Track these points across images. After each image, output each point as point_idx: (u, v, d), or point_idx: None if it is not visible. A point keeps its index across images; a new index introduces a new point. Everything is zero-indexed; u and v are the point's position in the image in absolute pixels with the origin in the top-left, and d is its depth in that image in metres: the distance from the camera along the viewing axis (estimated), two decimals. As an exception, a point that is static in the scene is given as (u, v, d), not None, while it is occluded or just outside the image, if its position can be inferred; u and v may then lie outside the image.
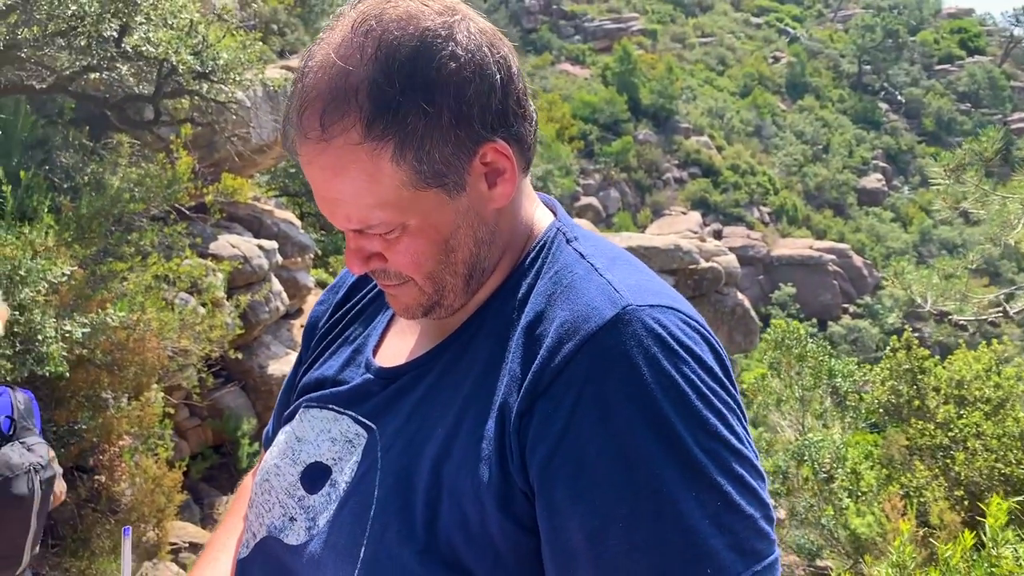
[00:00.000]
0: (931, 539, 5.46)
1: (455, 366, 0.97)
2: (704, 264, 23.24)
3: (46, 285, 5.45)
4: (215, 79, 6.83)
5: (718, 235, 35.73)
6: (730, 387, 0.89)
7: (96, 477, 6.21)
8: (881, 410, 7.49)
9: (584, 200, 34.82)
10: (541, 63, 44.38)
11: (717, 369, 0.88)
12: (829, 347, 9.82)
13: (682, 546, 0.80)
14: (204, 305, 7.88)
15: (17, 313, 5.22)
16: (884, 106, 52.46)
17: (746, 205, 39.13)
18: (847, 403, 8.43)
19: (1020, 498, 3.62)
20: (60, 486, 2.80)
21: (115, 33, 6.22)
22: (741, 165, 41.11)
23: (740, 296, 24.40)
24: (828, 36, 57.56)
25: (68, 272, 5.75)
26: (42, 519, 2.55)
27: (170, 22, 6.29)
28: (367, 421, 1.00)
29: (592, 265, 0.94)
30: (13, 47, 6.22)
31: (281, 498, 1.03)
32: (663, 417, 0.82)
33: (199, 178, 9.03)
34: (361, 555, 0.91)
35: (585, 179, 36.63)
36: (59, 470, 2.77)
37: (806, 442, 7.92)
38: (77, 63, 6.59)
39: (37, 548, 2.56)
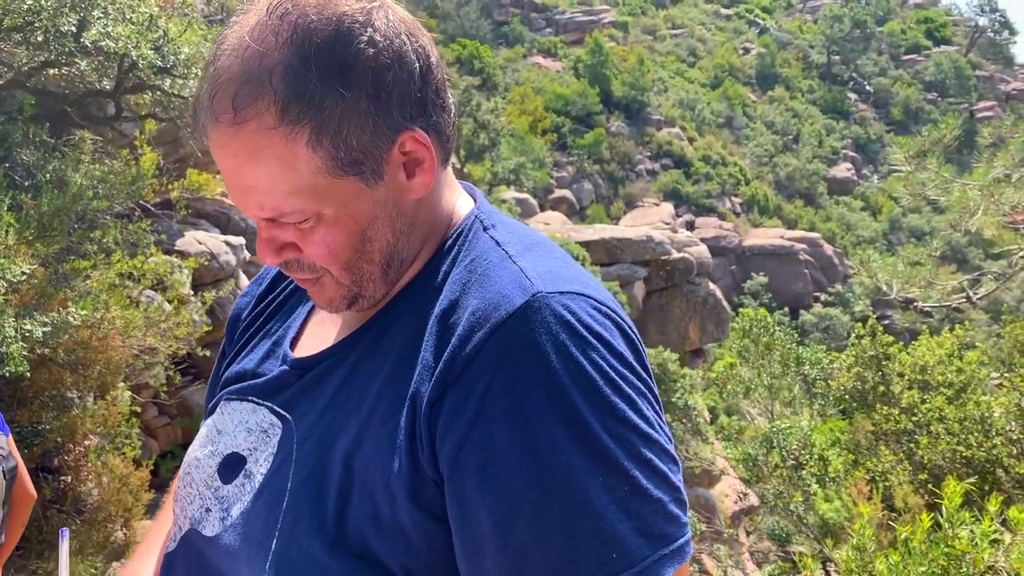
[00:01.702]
0: (895, 523, 5.55)
1: (370, 354, 0.96)
2: (676, 255, 23.36)
3: (5, 284, 5.38)
4: (177, 74, 6.75)
5: (690, 226, 35.96)
6: (642, 372, 0.88)
7: (62, 478, 6.14)
8: (847, 396, 7.58)
9: (558, 192, 34.84)
10: (513, 56, 44.31)
11: (628, 354, 0.87)
12: (800, 335, 9.92)
13: (589, 531, 0.80)
14: (170, 302, 7.81)
15: (-25, 313, 5.15)
16: (853, 96, 53.00)
17: (718, 196, 39.37)
18: (815, 390, 8.52)
19: (973, 480, 3.69)
20: (30, 486, 2.79)
21: (73, 28, 6.13)
22: (713, 156, 41.36)
23: (712, 286, 24.57)
24: (797, 27, 58.02)
25: (28, 271, 5.67)
26: (6, 508, 2.54)
27: (129, 16, 6.21)
28: (282, 411, 1.00)
29: (506, 252, 0.93)
30: (-32, 43, 6.13)
31: (200, 490, 1.03)
32: (571, 404, 0.81)
33: (164, 174, 8.94)
34: (273, 547, 0.90)
35: (559, 171, 36.64)
36: (23, 468, 2.76)
37: (774, 429, 8.00)
38: (35, 59, 6.50)
39: (4, 537, 2.55)
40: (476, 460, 0.82)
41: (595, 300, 0.88)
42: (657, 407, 0.89)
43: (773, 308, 32.59)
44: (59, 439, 5.98)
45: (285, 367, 1.04)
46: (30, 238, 6.39)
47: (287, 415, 0.99)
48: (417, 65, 0.91)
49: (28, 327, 5.33)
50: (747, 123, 46.87)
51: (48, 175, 7.49)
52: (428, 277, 0.96)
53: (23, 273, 5.52)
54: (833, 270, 36.56)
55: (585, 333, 0.84)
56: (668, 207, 36.47)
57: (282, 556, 0.90)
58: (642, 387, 0.87)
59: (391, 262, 0.96)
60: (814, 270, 36.01)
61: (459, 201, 1.03)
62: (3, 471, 2.51)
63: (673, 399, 14.23)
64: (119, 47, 6.14)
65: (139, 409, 7.10)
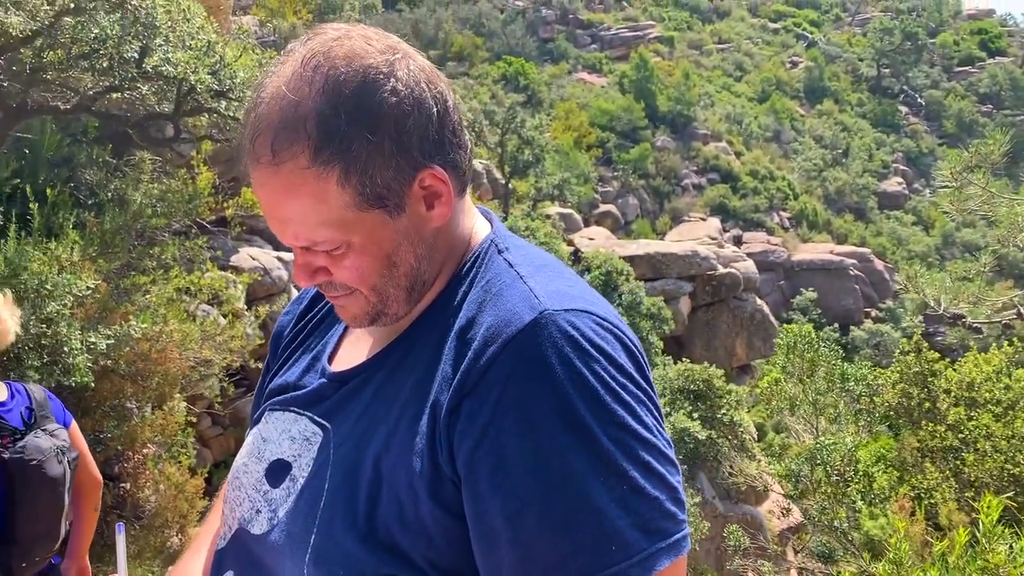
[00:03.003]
0: (939, 541, 5.51)
1: (398, 369, 1.07)
2: (722, 270, 23.23)
3: (71, 298, 5.64)
4: (233, 97, 7.01)
5: (738, 241, 35.66)
6: (641, 382, 0.97)
7: (121, 484, 6.38)
8: (892, 413, 7.52)
9: (603, 207, 34.84)
10: (558, 72, 44.50)
11: (628, 366, 0.96)
12: (850, 352, 9.84)
13: (590, 526, 0.88)
14: (225, 316, 8.07)
15: (44, 326, 5.41)
16: (904, 109, 52.14)
17: (766, 210, 38.97)
18: (859, 407, 8.46)
19: (1009, 494, 3.70)
20: (95, 471, 2.98)
21: (136, 55, 6.42)
22: (760, 170, 40.98)
23: (759, 302, 24.34)
24: (846, 40, 57.32)
25: (92, 286, 5.94)
26: (70, 497, 2.72)
27: (188, 43, 6.48)
28: (322, 421, 1.11)
29: (518, 273, 1.03)
30: (39, 70, 6.45)
31: (249, 493, 1.14)
32: (574, 411, 0.90)
33: (219, 193, 9.24)
34: (312, 542, 1.02)
35: (604, 186, 36.65)
36: (87, 454, 2.95)
37: (818, 445, 7.96)
38: (100, 84, 6.80)
39: (69, 524, 2.73)
40: (489, 462, 0.91)
41: (598, 316, 0.97)
42: (657, 414, 0.98)
43: (822, 324, 32.11)
44: (120, 447, 6.22)
45: (324, 380, 1.15)
46: (93, 254, 6.68)
47: (326, 424, 1.10)
48: (435, 110, 1.02)
49: (92, 339, 5.59)
50: (795, 137, 46.38)
51: (110, 194, 7.81)
52: (449, 297, 1.07)
53: (88, 288, 5.79)
54: (884, 285, 35.92)
55: (588, 346, 0.93)
56: (715, 222, 36.23)
57: (319, 550, 1.01)
58: (641, 395, 0.95)
59: (414, 284, 1.07)
60: (864, 285, 35.42)
61: (476, 226, 1.15)
62: (68, 461, 2.69)
63: (718, 415, 14.15)
64: (178, 72, 6.41)
65: (194, 419, 7.34)
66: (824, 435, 8.58)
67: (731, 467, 12.75)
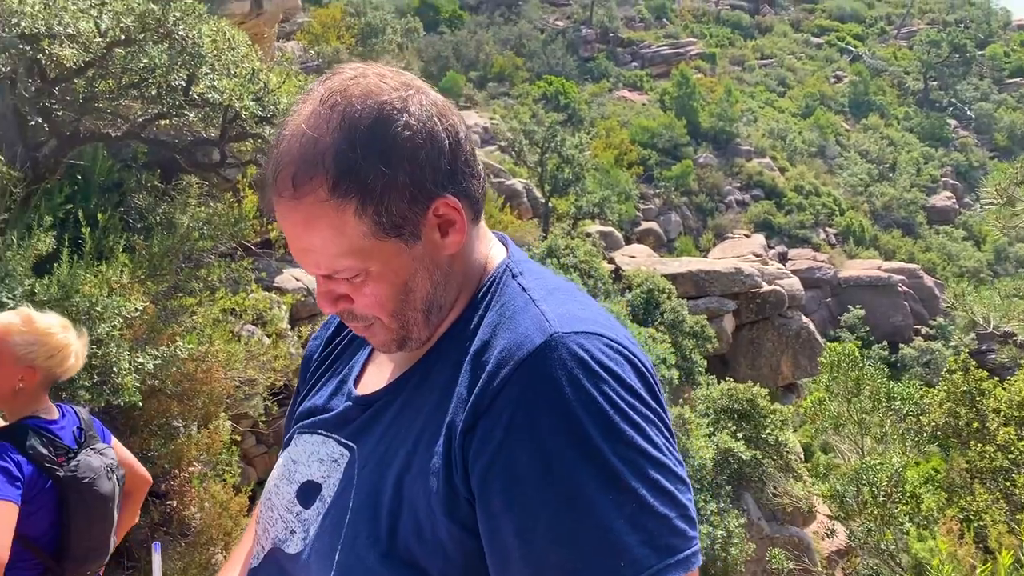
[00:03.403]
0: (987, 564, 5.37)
1: (418, 391, 1.12)
2: (766, 287, 22.98)
3: (121, 320, 5.82)
4: (276, 122, 7.18)
5: (783, 257, 35.25)
6: (651, 402, 1.00)
7: (168, 502, 6.52)
8: (940, 433, 7.37)
9: (645, 225, 34.68)
10: (598, 90, 44.56)
11: (638, 387, 0.99)
12: (899, 370, 9.66)
13: (599, 542, 0.91)
14: (269, 336, 8.22)
15: (95, 347, 5.58)
16: (952, 122, 51.15)
17: (811, 227, 38.44)
18: (905, 426, 8.30)
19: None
20: (141, 470, 3.07)
21: (183, 83, 6.62)
22: (805, 186, 40.47)
23: (805, 319, 24.00)
24: (892, 53, 56.52)
25: (141, 308, 6.12)
26: (119, 512, 2.82)
27: (233, 71, 6.67)
28: (348, 442, 1.16)
29: (530, 297, 1.07)
30: (91, 99, 6.68)
31: (282, 513, 1.20)
32: (583, 430, 0.93)
33: (264, 215, 9.44)
34: (336, 558, 1.07)
35: (645, 204, 36.49)
36: (130, 457, 3.03)
37: (864, 465, 7.83)
38: (149, 111, 7.03)
39: (117, 539, 2.82)
40: (502, 481, 0.95)
41: (607, 338, 1.01)
42: (667, 434, 1.01)
43: (871, 342, 31.52)
44: (166, 465, 6.37)
45: (349, 403, 1.21)
46: (142, 277, 6.87)
47: (352, 445, 1.15)
48: (447, 142, 1.07)
49: (140, 360, 5.74)
50: (840, 152, 45.76)
51: (159, 218, 8.03)
52: (466, 321, 1.12)
53: (136, 310, 5.96)
54: (934, 302, 35.16)
55: (597, 368, 0.97)
56: (759, 238, 35.84)
57: (344, 566, 1.06)
58: (651, 415, 0.99)
59: (431, 308, 1.12)
60: (914, 302, 34.71)
61: (492, 251, 1.20)
62: (116, 478, 2.78)
63: (763, 435, 13.95)
64: (224, 99, 6.59)
65: (239, 438, 7.47)
66: (870, 455, 8.44)
67: (776, 488, 12.55)
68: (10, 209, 6.55)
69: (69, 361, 2.66)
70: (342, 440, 1.17)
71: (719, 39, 53.70)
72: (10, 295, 5.42)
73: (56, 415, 2.69)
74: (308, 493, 1.17)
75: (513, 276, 1.14)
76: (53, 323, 2.63)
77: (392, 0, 49.78)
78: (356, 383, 1.25)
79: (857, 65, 53.25)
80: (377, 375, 1.22)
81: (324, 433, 1.21)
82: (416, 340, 1.14)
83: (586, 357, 0.97)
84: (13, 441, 2.50)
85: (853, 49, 55.60)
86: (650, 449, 0.96)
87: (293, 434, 1.30)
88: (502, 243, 1.23)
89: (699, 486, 12.47)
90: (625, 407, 0.96)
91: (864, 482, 7.87)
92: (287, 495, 1.20)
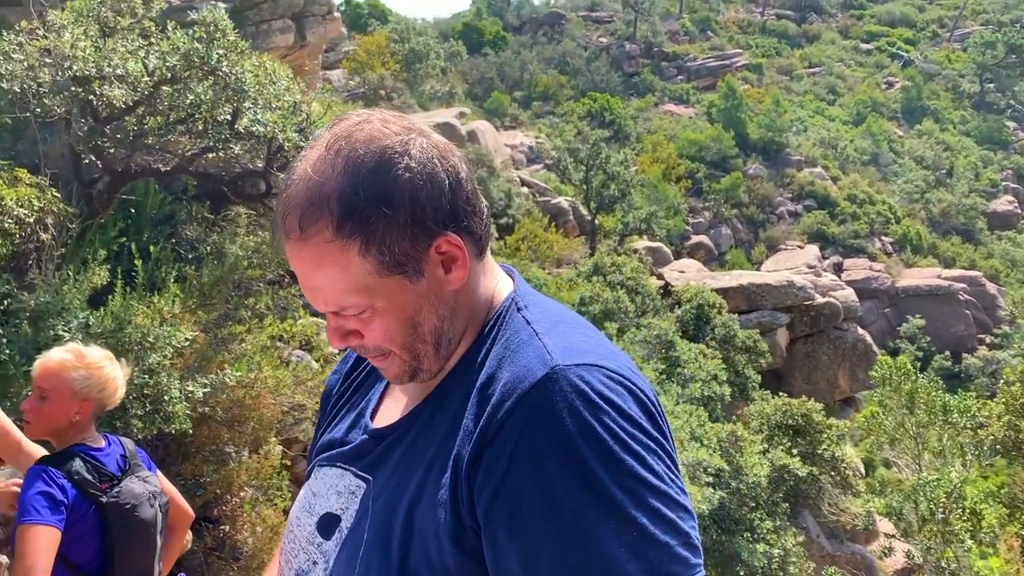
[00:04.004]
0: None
1: (429, 424, 1.16)
2: (820, 300, 22.54)
3: (171, 350, 5.98)
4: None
5: (838, 268, 34.60)
6: (652, 431, 1.02)
7: (221, 527, 6.65)
8: (999, 446, 7.15)
9: (695, 239, 34.40)
10: (644, 105, 44.44)
11: (639, 417, 1.01)
12: (963, 381, 9.38)
13: (600, 571, 0.93)
14: (317, 361, 8.35)
15: (146, 376, 5.74)
16: (1012, 124, 49.76)
17: (866, 236, 37.68)
18: (961, 440, 8.07)
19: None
20: (184, 505, 3.15)
21: (228, 117, 6.82)
22: (859, 195, 39.72)
23: (861, 331, 23.47)
24: (945, 57, 55.32)
25: (191, 337, 6.28)
26: (163, 539, 2.89)
27: (275, 104, 6.84)
28: (364, 474, 1.21)
29: (534, 330, 1.11)
30: (141, 136, 6.91)
31: (304, 545, 1.24)
32: (583, 461, 0.96)
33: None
34: None
35: (695, 217, 36.20)
36: (174, 490, 3.10)
37: (921, 481, 7.62)
38: (196, 145, 7.25)
39: (160, 567, 2.89)
40: (506, 511, 0.98)
41: (608, 369, 1.04)
42: (668, 462, 1.02)
43: (932, 352, 30.72)
44: (218, 491, 6.50)
45: (365, 436, 1.25)
46: (193, 306, 7.05)
47: (368, 477, 1.20)
48: (447, 182, 1.12)
49: (190, 388, 5.89)
50: (894, 159, 44.85)
51: (209, 248, 8.24)
52: (474, 354, 1.15)
53: (186, 339, 6.12)
54: (998, 310, 34.13)
55: (597, 399, 0.99)
56: (813, 249, 35.26)
57: None
58: (652, 444, 1.00)
59: (440, 341, 1.16)
60: (976, 311, 33.73)
61: (499, 285, 1.23)
62: (159, 506, 2.86)
63: (819, 450, 13.67)
64: (267, 131, 6.77)
65: (289, 462, 7.58)
66: (928, 470, 8.21)
67: (833, 504, 12.28)
68: (67, 244, 6.79)
69: (118, 392, 2.78)
70: (359, 472, 1.21)
71: (765, 49, 53.20)
72: (65, 328, 5.62)
73: (102, 444, 2.79)
74: (328, 525, 1.21)
75: (518, 309, 1.17)
76: (101, 356, 2.75)
77: (436, 25, 50.52)
78: (372, 416, 1.29)
79: (909, 70, 52.24)
80: (392, 408, 1.26)
81: (342, 466, 1.25)
82: (428, 371, 1.17)
83: (586, 388, 1.00)
84: (59, 466, 2.59)
85: (904, 54, 54.57)
86: (650, 478, 0.98)
87: (313, 467, 1.34)
88: (509, 276, 1.28)
89: (754, 504, 12.25)
90: (625, 436, 0.98)
91: (922, 498, 7.66)
92: (308, 527, 1.24)
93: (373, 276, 1.09)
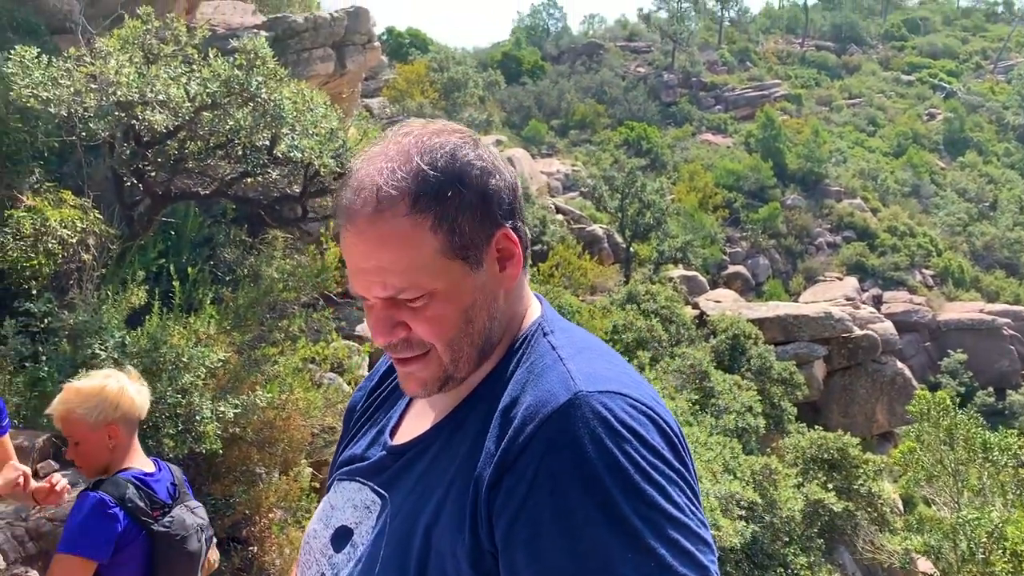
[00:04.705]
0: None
1: (451, 442, 1.16)
2: (858, 332, 22.21)
3: (205, 370, 6.06)
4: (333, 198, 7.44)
5: (878, 300, 34.06)
6: (674, 462, 1.01)
7: (249, 548, 6.68)
8: (1041, 486, 6.95)
9: (732, 268, 34.15)
10: (681, 135, 44.42)
11: (661, 447, 1.01)
12: (1007, 417, 9.14)
13: None
14: (348, 384, 8.40)
15: (179, 396, 5.82)
16: (1058, 157, 48.87)
17: (907, 268, 37.10)
18: (1002, 479, 7.86)
19: None
20: (213, 553, 3.16)
21: (267, 143, 6.96)
22: (899, 227, 39.19)
23: (900, 365, 23.05)
24: (988, 88, 54.61)
25: (224, 358, 6.36)
26: (202, 574, 2.90)
27: (313, 131, 6.96)
28: (381, 490, 1.21)
29: (559, 355, 1.11)
30: (181, 160, 7.07)
31: (317, 557, 1.25)
32: (604, 489, 0.95)
33: (345, 267, 9.71)
34: None
35: (732, 247, 35.98)
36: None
37: (960, 520, 7.43)
38: (235, 170, 7.39)
39: None
40: (524, 536, 0.97)
41: (631, 398, 1.03)
42: (690, 494, 1.01)
43: (975, 388, 30.03)
44: (247, 511, 6.54)
45: (384, 452, 1.26)
46: (228, 328, 7.15)
47: (385, 493, 1.20)
48: (509, 180, 1.17)
49: (222, 408, 5.96)
50: (936, 191, 44.22)
51: (245, 270, 8.37)
52: (498, 375, 1.16)
53: (219, 360, 6.21)
54: (1044, 346, 33.28)
55: (619, 427, 0.99)
56: (852, 281, 34.79)
57: None
58: (674, 475, 1.00)
59: (485, 344, 1.16)
60: (1021, 346, 32.95)
61: (531, 308, 1.24)
62: (204, 539, 2.87)
63: (855, 486, 13.40)
64: (304, 157, 6.89)
65: (318, 484, 7.61)
66: (967, 508, 8.01)
67: (870, 541, 12.01)
68: (107, 265, 6.94)
69: (136, 400, 2.76)
70: (376, 488, 1.22)
71: (805, 80, 52.99)
72: (102, 347, 5.73)
73: (152, 468, 2.80)
74: (340, 538, 1.22)
75: (544, 334, 1.17)
76: (96, 381, 2.74)
77: (475, 55, 51.12)
78: (392, 433, 1.29)
79: (952, 102, 51.65)
80: (413, 425, 1.26)
81: (360, 480, 1.26)
82: (457, 380, 1.17)
83: (609, 416, 1.00)
84: (113, 492, 2.61)
85: (947, 86, 53.98)
86: (671, 509, 0.97)
87: (333, 481, 1.36)
88: (538, 301, 1.29)
89: (788, 538, 12.03)
90: (647, 467, 0.98)
91: (962, 537, 7.47)
92: (323, 539, 1.25)
93: (439, 257, 1.10)
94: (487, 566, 1.02)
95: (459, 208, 1.10)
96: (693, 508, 1.00)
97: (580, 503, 0.95)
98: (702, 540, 0.98)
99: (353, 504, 1.24)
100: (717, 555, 1.02)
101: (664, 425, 1.04)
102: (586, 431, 0.98)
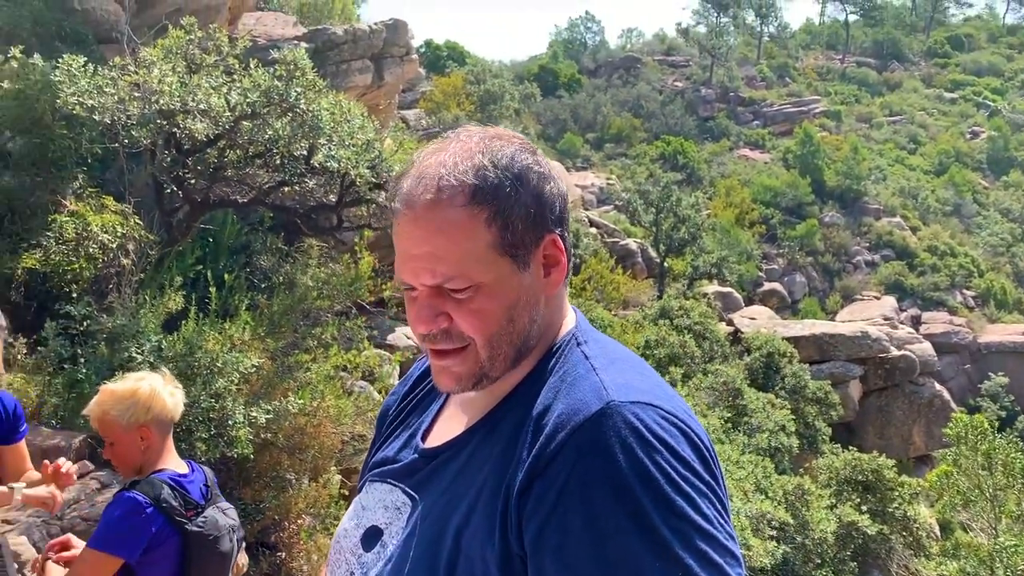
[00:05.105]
0: None
1: (482, 446, 1.17)
2: (895, 352, 21.85)
3: (238, 375, 6.14)
4: (389, 188, 7.51)
5: (916, 321, 33.45)
6: (704, 474, 1.02)
7: (278, 553, 6.73)
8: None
9: (768, 286, 33.78)
10: (718, 150, 44.14)
11: (692, 459, 1.02)
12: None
13: None
14: (379, 392, 8.45)
15: (213, 400, 5.90)
16: (1106, 178, 47.73)
17: (947, 289, 36.41)
18: (1042, 505, 7.67)
19: None
20: (242, 557, 3.19)
21: (304, 152, 7.05)
22: (940, 246, 38.52)
23: (938, 387, 22.62)
24: (1035, 107, 53.60)
25: (257, 363, 6.44)
26: (232, 573, 2.94)
27: (349, 141, 7.04)
28: (412, 492, 1.23)
29: (592, 365, 1.12)
30: (221, 168, 7.19)
31: (346, 556, 1.27)
32: (634, 498, 0.96)
33: (379, 276, 9.81)
34: None
35: (768, 264, 35.61)
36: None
37: (998, 547, 7.27)
38: (273, 179, 7.50)
39: None
40: (554, 542, 0.99)
41: (663, 410, 1.04)
42: (719, 507, 1.02)
43: (1016, 412, 29.35)
44: (276, 517, 6.59)
45: (415, 455, 1.28)
46: (262, 334, 7.23)
47: (416, 495, 1.22)
48: (560, 191, 1.20)
49: (254, 413, 6.03)
50: (978, 211, 43.41)
51: (281, 278, 8.47)
52: (532, 382, 1.17)
53: (252, 366, 6.28)
54: (1089, 371, 32.41)
55: (650, 438, 1.00)
56: (890, 300, 34.23)
57: None
58: (703, 488, 1.01)
59: (523, 346, 1.18)
60: (1065, 370, 32.13)
61: (568, 317, 1.26)
62: (236, 540, 2.90)
63: (890, 509, 13.15)
64: (341, 167, 6.97)
65: (347, 492, 7.65)
66: (1005, 535, 7.83)
67: (904, 566, 11.77)
68: (146, 270, 7.07)
69: (168, 402, 2.80)
70: (407, 489, 1.24)
71: (845, 96, 52.42)
72: (139, 351, 5.83)
73: (186, 469, 2.85)
74: (371, 537, 1.24)
75: (578, 344, 1.19)
76: (130, 383, 2.80)
77: (512, 68, 51.31)
78: (424, 437, 1.31)
79: (996, 120, 50.75)
80: (445, 428, 1.28)
81: (392, 482, 1.28)
82: (491, 379, 1.18)
83: (640, 427, 1.01)
84: (148, 493, 2.66)
85: (991, 104, 53.08)
86: (700, 520, 0.98)
87: (365, 482, 1.38)
88: (573, 312, 1.31)
89: (820, 560, 11.84)
90: (677, 478, 0.99)
91: (999, 564, 7.30)
92: (353, 538, 1.27)
93: (490, 251, 1.13)
94: (516, 570, 1.03)
95: (515, 207, 1.13)
96: (722, 521, 1.01)
97: (610, 511, 0.96)
98: (730, 553, 0.99)
99: (384, 505, 1.26)
100: (745, 571, 1.02)
101: (695, 438, 1.05)
102: (617, 440, 0.99)
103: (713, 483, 1.03)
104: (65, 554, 2.73)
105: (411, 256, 1.14)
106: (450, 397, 1.33)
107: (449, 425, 1.28)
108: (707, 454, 1.05)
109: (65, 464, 2.94)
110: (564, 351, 1.18)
